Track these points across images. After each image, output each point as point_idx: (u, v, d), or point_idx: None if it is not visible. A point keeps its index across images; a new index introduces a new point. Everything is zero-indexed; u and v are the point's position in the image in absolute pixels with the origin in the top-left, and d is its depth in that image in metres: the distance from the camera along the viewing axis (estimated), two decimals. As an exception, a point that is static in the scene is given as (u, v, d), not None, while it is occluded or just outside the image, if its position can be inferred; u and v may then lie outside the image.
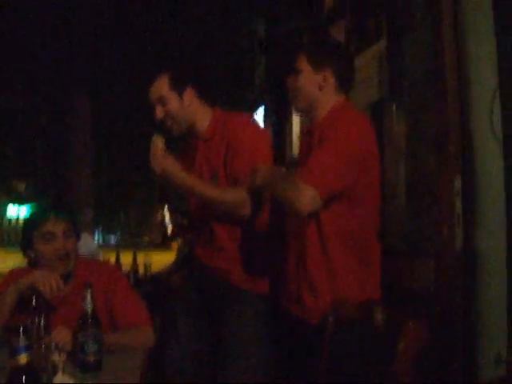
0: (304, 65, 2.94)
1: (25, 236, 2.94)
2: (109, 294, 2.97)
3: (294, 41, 5.74)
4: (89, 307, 2.59)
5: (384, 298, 2.89)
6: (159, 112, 3.30)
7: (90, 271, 3.03)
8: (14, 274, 3.05)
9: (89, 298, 2.59)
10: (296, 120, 8.14)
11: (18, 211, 50.23)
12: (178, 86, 3.29)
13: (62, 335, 2.62)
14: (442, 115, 3.30)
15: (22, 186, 26.01)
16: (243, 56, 14.25)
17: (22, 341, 2.05)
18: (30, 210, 3.17)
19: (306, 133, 3.07)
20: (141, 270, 6.09)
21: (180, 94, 3.30)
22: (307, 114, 3.08)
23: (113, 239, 48.17)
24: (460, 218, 3.12)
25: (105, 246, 32.91)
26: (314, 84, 2.93)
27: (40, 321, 2.56)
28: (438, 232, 3.20)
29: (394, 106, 4.22)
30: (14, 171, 21.45)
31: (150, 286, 5.38)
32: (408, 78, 3.84)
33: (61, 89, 12.57)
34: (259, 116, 11.85)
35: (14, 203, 42.18)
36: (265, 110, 10.44)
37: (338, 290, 2.79)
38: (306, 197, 2.60)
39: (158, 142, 3.15)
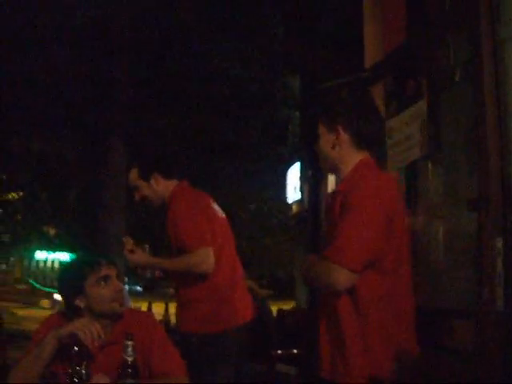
0: (321, 128, 2.93)
1: (73, 285, 2.96)
2: (146, 343, 2.98)
3: (332, 98, 5.81)
4: (129, 357, 2.61)
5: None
6: (136, 196, 4.25)
7: (128, 320, 3.06)
8: (51, 321, 3.07)
9: (130, 348, 2.61)
10: (331, 176, 8.22)
11: (46, 256, 50.72)
12: (144, 175, 4.18)
13: (101, 382, 2.64)
14: (483, 176, 3.32)
15: (52, 232, 26.35)
16: (277, 112, 14.44)
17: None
18: (75, 261, 3.22)
19: (331, 195, 3.00)
20: (172, 320, 6.11)
21: (148, 181, 4.19)
22: (335, 174, 3.08)
23: (139, 287, 48.13)
24: (501, 278, 3.11)
25: (131, 294, 32.87)
26: (329, 144, 2.89)
27: (81, 369, 2.59)
28: (479, 292, 3.18)
29: (430, 165, 4.26)
30: (45, 217, 21.74)
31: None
32: (447, 137, 3.88)
33: (95, 134, 12.81)
34: (295, 171, 11.98)
35: (43, 249, 42.55)
36: (301, 166, 10.63)
37: (372, 353, 2.70)
38: (341, 278, 2.63)
39: (127, 243, 4.02)
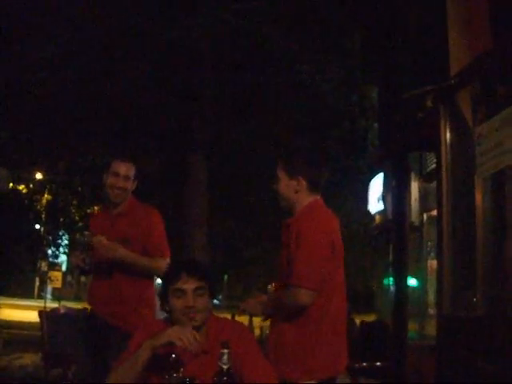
0: (281, 173, 3.60)
1: (162, 290, 3.06)
2: (239, 351, 2.98)
3: (419, 106, 5.75)
4: (225, 365, 2.61)
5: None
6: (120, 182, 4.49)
7: (221, 328, 3.07)
8: (150, 326, 3.13)
9: (226, 356, 2.61)
10: (414, 185, 8.11)
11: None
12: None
13: None
14: None
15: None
16: (355, 122, 14.33)
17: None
18: (170, 267, 3.30)
19: (285, 226, 3.59)
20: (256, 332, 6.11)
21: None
22: (289, 211, 3.63)
23: (215, 300, 48.56)
24: None
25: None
26: (291, 189, 3.57)
27: (179, 375, 2.61)
28: None
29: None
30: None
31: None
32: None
33: (176, 149, 13.01)
34: (377, 182, 11.89)
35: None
36: (384, 176, 10.61)
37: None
38: (304, 297, 3.35)
39: (101, 239, 4.23)
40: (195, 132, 12.50)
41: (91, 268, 4.42)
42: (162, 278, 3.31)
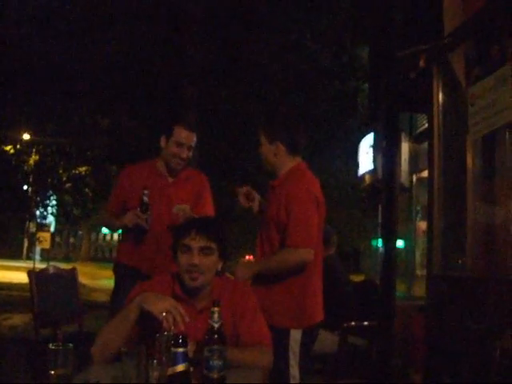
0: (262, 138, 3.79)
1: (173, 243, 3.08)
2: (237, 311, 2.99)
3: (411, 66, 5.69)
4: (215, 323, 2.61)
5: None
6: (188, 154, 4.34)
7: (223, 288, 3.08)
8: (150, 283, 3.15)
9: (216, 314, 2.61)
10: (405, 146, 8.09)
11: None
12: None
13: None
14: None
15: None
16: (345, 83, 14.23)
17: (180, 351, 2.31)
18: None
19: (270, 187, 3.80)
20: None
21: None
22: (273, 173, 3.83)
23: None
24: None
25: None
26: (271, 152, 3.77)
27: (169, 335, 2.60)
28: None
29: (508, 135, 4.13)
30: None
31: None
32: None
33: (168, 108, 12.89)
34: (367, 142, 11.88)
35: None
36: (374, 136, 10.62)
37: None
38: (308, 256, 3.58)
39: (185, 208, 4.10)
40: (184, 90, 12.36)
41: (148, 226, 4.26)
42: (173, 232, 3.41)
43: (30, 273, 5.94)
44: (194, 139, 4.33)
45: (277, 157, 3.78)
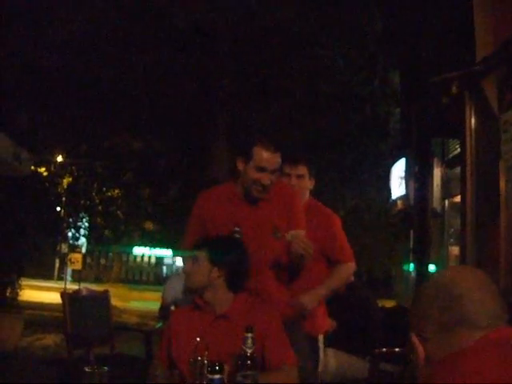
0: (306, 172, 4.06)
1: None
2: (263, 332, 3.02)
3: (444, 92, 5.69)
4: (249, 349, 2.63)
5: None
6: (269, 179, 3.58)
7: (247, 303, 3.15)
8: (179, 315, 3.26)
9: (250, 340, 2.63)
10: (437, 171, 8.06)
11: (143, 251, 52.23)
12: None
13: None
14: None
15: (152, 228, 26.97)
16: (377, 108, 14.24)
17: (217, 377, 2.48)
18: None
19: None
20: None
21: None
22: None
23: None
24: None
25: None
26: (309, 187, 4.10)
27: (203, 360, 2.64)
28: None
29: None
30: (146, 213, 22.30)
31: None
32: None
33: (199, 133, 13.01)
34: (399, 168, 11.87)
35: (142, 245, 43.79)
36: (406, 162, 10.62)
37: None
38: (354, 267, 4.07)
39: (300, 233, 3.56)
40: (216, 117, 12.48)
41: None
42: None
43: (63, 294, 6.02)
44: (279, 160, 3.59)
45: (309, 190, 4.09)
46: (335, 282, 3.99)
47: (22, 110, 12.95)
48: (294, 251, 3.40)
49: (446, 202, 9.27)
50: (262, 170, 3.51)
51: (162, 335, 3.18)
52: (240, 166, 3.60)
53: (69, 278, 39.83)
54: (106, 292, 6.58)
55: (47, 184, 22.07)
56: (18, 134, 10.30)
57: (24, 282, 13.96)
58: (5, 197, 12.33)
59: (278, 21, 11.09)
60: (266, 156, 3.51)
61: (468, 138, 5.28)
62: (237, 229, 3.48)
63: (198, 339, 2.74)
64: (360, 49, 12.82)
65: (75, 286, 20.54)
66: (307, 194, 4.12)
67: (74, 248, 32.40)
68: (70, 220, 24.50)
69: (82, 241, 34.33)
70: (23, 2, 10.96)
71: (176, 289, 5.82)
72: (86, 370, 2.35)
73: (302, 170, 4.08)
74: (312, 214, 3.90)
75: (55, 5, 11.24)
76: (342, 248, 3.98)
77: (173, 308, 5.33)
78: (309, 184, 4.12)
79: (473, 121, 5.27)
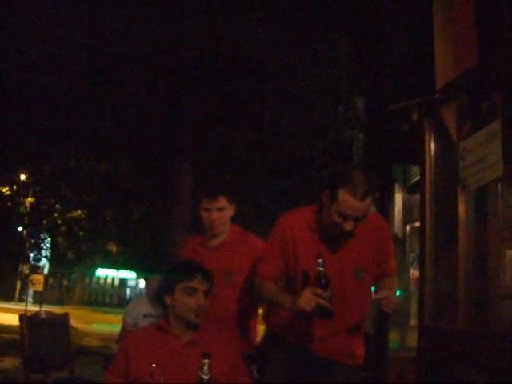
0: (224, 202, 4.02)
1: (168, 284, 3.22)
2: (224, 365, 3.07)
3: (404, 118, 5.79)
4: (205, 376, 2.65)
5: None
6: (352, 225, 3.25)
7: (209, 333, 3.22)
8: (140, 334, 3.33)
9: (206, 366, 2.66)
10: (398, 197, 8.17)
11: (107, 273, 51.70)
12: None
13: None
14: None
15: (115, 250, 26.74)
16: (340, 132, 14.39)
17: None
18: (180, 264, 3.45)
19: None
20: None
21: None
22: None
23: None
24: None
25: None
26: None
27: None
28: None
29: (500, 187, 4.19)
30: (109, 235, 22.12)
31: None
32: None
33: (163, 156, 13.00)
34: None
35: (105, 266, 43.36)
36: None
37: None
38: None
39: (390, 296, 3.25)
40: (181, 138, 12.50)
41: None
42: (171, 270, 3.39)
43: (22, 317, 5.94)
44: (365, 208, 3.25)
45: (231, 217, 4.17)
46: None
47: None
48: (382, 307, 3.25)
49: (408, 227, 9.38)
50: (345, 216, 3.21)
51: (116, 358, 3.16)
52: (324, 200, 3.34)
53: (30, 299, 39.25)
54: (65, 315, 6.50)
55: (9, 203, 21.82)
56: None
57: (-17, 303, 13.76)
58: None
59: (243, 47, 11.17)
60: (352, 204, 3.18)
61: (427, 164, 5.35)
62: (319, 261, 3.16)
63: (154, 365, 2.75)
64: (325, 74, 12.95)
65: (36, 308, 20.27)
66: (229, 221, 4.14)
67: (36, 269, 31.97)
68: (32, 241, 24.22)
69: (44, 262, 33.88)
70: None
71: (138, 311, 5.80)
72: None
73: (222, 202, 4.05)
74: (236, 240, 4.07)
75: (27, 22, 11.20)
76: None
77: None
78: (230, 212, 4.13)
79: (432, 147, 5.34)
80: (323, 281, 3.09)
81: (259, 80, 12.23)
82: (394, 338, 9.61)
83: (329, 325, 3.32)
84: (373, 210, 3.56)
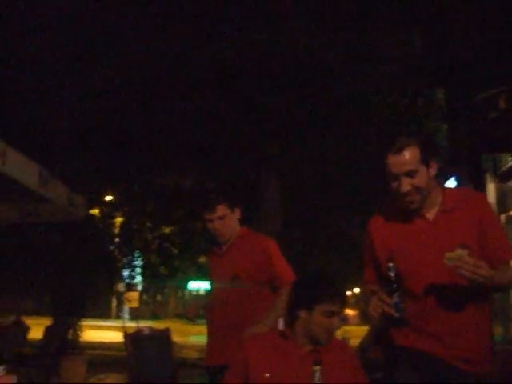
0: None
1: (309, 300, 3.18)
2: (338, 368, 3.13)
3: (492, 107, 5.63)
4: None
5: None
6: (406, 185, 3.05)
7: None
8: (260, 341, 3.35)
9: (318, 373, 2.68)
10: (491, 187, 7.94)
11: (198, 286, 52.38)
12: (426, 159, 3.07)
13: None
14: None
15: (205, 261, 26.98)
16: (421, 125, 14.10)
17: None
18: (323, 280, 3.28)
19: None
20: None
21: (427, 167, 3.08)
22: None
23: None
24: None
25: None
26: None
27: None
28: None
29: None
30: (201, 248, 22.35)
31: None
32: None
33: (247, 169, 13.07)
34: (449, 184, 11.71)
35: (197, 279, 43.93)
36: (457, 180, 10.43)
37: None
38: None
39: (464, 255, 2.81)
40: (265, 148, 12.49)
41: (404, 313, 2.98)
42: (313, 286, 3.25)
43: (126, 335, 6.09)
44: (404, 160, 3.04)
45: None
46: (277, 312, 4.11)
47: (74, 157, 13.26)
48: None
49: (503, 216, 9.11)
50: (393, 177, 3.07)
51: (233, 363, 3.21)
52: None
53: (126, 316, 40.21)
54: (167, 330, 6.64)
55: (101, 225, 22.39)
56: (72, 179, 10.53)
57: (83, 322, 14.18)
58: (62, 241, 12.56)
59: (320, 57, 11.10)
60: (389, 160, 3.07)
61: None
62: (390, 265, 2.99)
63: (267, 375, 2.78)
64: (403, 67, 12.70)
65: (133, 324, 20.73)
66: (237, 225, 4.48)
67: (131, 286, 32.74)
68: (125, 260, 24.77)
69: (138, 279, 34.66)
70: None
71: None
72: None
73: (221, 210, 4.38)
74: (244, 240, 4.42)
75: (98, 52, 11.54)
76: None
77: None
78: (236, 216, 4.48)
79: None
80: (393, 286, 2.94)
81: (341, 82, 12.06)
82: (496, 331, 9.35)
83: (442, 321, 3.06)
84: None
